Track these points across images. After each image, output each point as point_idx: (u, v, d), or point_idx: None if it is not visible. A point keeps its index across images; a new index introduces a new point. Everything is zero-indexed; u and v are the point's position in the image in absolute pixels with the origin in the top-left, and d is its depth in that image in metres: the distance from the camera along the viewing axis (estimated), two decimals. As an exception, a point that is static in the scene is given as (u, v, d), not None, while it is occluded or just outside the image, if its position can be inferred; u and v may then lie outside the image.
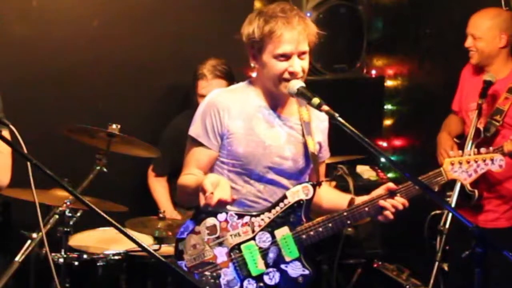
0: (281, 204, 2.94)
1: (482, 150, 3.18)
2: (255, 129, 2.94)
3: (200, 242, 2.91)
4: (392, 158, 5.51)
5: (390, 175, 5.46)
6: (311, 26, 2.90)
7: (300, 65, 2.88)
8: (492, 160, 3.14)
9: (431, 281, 3.87)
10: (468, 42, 4.08)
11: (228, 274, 2.90)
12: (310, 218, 2.96)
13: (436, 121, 4.54)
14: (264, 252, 2.92)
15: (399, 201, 2.95)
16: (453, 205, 3.85)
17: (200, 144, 2.97)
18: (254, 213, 2.94)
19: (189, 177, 2.96)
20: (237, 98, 2.98)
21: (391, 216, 2.95)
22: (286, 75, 2.87)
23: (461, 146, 4.04)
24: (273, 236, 2.92)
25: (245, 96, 2.99)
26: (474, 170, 3.11)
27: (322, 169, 3.17)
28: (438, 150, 4.26)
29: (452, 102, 4.39)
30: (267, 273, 2.91)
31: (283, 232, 2.93)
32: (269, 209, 2.94)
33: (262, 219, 2.93)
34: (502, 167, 3.18)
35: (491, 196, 4.09)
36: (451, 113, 4.40)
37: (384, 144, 5.69)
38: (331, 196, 3.18)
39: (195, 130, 2.98)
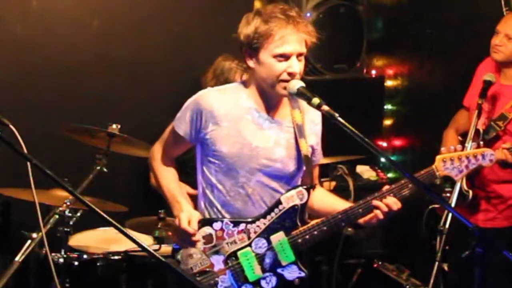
0: (276, 210, 2.92)
1: (473, 145, 3.16)
2: (242, 131, 2.91)
3: (196, 251, 2.91)
4: (392, 158, 5.51)
5: (390, 175, 5.46)
6: (310, 27, 2.89)
7: (298, 66, 2.86)
8: (482, 155, 3.10)
9: (431, 281, 3.87)
10: (499, 40, 4.06)
11: (225, 281, 2.90)
12: (305, 222, 2.94)
13: (436, 121, 4.53)
14: (260, 258, 2.91)
15: (391, 200, 2.92)
16: (453, 205, 3.86)
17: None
18: (249, 220, 2.92)
19: (168, 185, 3.03)
20: (226, 98, 2.94)
21: (381, 216, 2.91)
22: (285, 76, 2.84)
23: (463, 145, 4.03)
24: (269, 242, 2.91)
25: (235, 97, 2.95)
26: (465, 166, 3.07)
27: (316, 172, 3.13)
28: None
29: (464, 97, 4.34)
30: (264, 278, 2.91)
31: (279, 237, 2.91)
32: (264, 215, 2.92)
33: (258, 226, 2.91)
34: (492, 162, 3.15)
35: (488, 196, 4.09)
36: (462, 108, 4.36)
37: (384, 144, 5.69)
38: (325, 200, 3.13)
39: (178, 118, 3.01)
